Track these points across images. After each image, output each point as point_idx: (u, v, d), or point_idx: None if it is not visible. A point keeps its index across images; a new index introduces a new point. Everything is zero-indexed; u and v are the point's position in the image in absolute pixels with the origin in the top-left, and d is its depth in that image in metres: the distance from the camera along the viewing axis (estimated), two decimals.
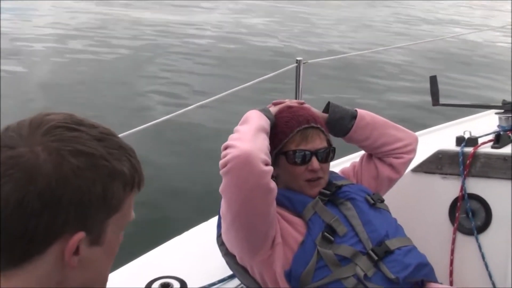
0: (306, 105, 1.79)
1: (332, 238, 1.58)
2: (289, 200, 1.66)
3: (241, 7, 15.63)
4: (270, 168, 1.47)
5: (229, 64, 8.89)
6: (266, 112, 1.67)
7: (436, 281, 1.67)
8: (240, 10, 15.13)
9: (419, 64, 9.57)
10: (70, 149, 0.73)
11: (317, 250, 1.56)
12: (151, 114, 5.95)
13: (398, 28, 14.00)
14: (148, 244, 1.98)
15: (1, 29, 10.40)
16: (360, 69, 8.80)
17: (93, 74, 8.03)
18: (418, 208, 2.31)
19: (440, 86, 2.70)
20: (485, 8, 19.24)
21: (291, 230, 1.61)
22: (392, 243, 1.61)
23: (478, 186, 2.26)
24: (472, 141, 2.32)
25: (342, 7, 16.89)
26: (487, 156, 2.25)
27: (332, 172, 1.81)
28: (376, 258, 1.57)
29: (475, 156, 2.25)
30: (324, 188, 1.69)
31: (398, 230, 1.70)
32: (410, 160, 1.90)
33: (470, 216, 2.25)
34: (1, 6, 12.33)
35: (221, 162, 1.46)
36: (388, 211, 1.76)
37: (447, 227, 2.31)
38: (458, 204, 2.27)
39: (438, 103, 2.62)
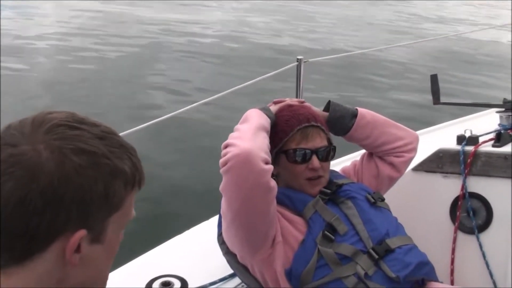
0: (307, 104, 1.79)
1: (332, 237, 1.58)
2: (289, 199, 1.66)
3: (245, 6, 15.63)
4: (270, 167, 1.47)
5: (232, 63, 8.90)
6: (266, 110, 1.68)
7: (436, 280, 1.67)
8: (244, 9, 15.13)
9: (421, 62, 9.56)
10: (72, 148, 0.73)
11: (318, 249, 1.56)
12: (154, 112, 5.95)
13: (401, 27, 13.99)
14: (149, 242, 1.99)
15: (4, 27, 10.43)
16: (362, 68, 8.79)
17: (96, 72, 8.05)
18: (419, 207, 2.31)
19: (442, 85, 2.70)
20: (489, 7, 19.20)
21: (292, 229, 1.61)
22: (392, 242, 1.61)
23: (479, 185, 2.26)
24: (473, 140, 2.32)
25: (346, 6, 16.87)
26: (488, 155, 2.25)
27: (333, 171, 1.82)
28: (376, 257, 1.57)
29: (476, 155, 2.25)
30: (324, 187, 1.69)
31: (398, 229, 1.70)
32: (410, 159, 1.90)
33: (471, 215, 2.25)
34: (4, 4, 12.36)
35: (221, 160, 1.46)
36: (389, 210, 1.76)
37: (448, 226, 2.30)
38: (459, 203, 2.27)
39: (439, 101, 2.61)
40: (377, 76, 8.68)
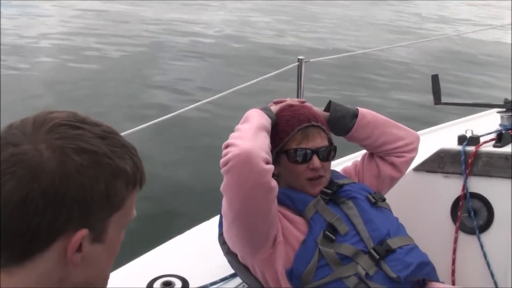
0: (307, 104, 1.79)
1: (333, 237, 1.58)
2: (290, 199, 1.66)
3: (247, 5, 15.64)
4: (271, 167, 1.47)
5: (234, 62, 8.90)
6: (267, 110, 1.68)
7: (437, 280, 1.67)
8: (246, 9, 15.14)
9: (422, 62, 9.56)
10: (73, 147, 0.73)
11: (319, 249, 1.56)
12: (155, 111, 5.95)
13: (402, 27, 13.99)
14: (150, 242, 1.99)
15: (7, 26, 10.46)
16: (363, 68, 8.80)
17: (97, 71, 8.06)
18: (420, 207, 2.31)
19: (444, 84, 2.70)
20: (491, 7, 19.19)
21: (293, 229, 1.61)
22: (393, 242, 1.61)
23: (480, 185, 2.26)
24: (474, 140, 2.32)
25: (347, 6, 16.87)
26: (489, 155, 2.25)
27: (334, 171, 1.82)
28: (377, 257, 1.57)
29: (477, 155, 2.25)
30: (325, 187, 1.69)
31: (399, 229, 1.70)
32: (411, 159, 1.90)
33: (472, 215, 2.25)
34: (7, 3, 12.38)
35: (221, 160, 1.46)
36: (390, 210, 1.76)
37: (449, 226, 2.30)
38: (460, 203, 2.27)
39: (440, 102, 2.61)
40: (378, 76, 8.68)
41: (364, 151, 1.95)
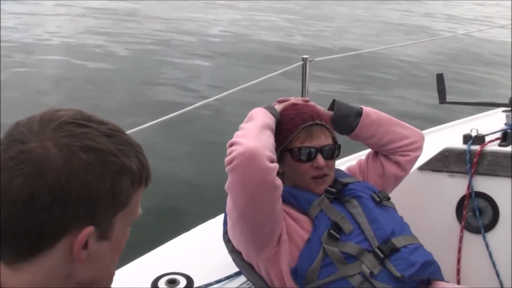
0: (311, 103, 1.79)
1: (338, 236, 1.58)
2: (294, 198, 1.66)
3: (254, 4, 15.63)
4: (275, 165, 1.48)
5: (242, 60, 8.91)
6: (271, 109, 1.68)
7: (442, 280, 1.67)
8: (253, 8, 15.14)
9: (428, 61, 9.52)
10: (80, 145, 0.74)
11: (323, 247, 1.56)
12: (161, 109, 5.96)
13: (409, 26, 13.94)
14: (155, 240, 2.00)
15: (15, 23, 10.54)
16: (368, 67, 8.77)
17: (105, 69, 8.08)
18: (425, 206, 2.30)
19: (449, 83, 2.69)
20: (498, 6, 19.09)
21: (297, 228, 1.61)
22: (398, 241, 1.61)
23: (485, 184, 2.25)
24: (479, 139, 2.31)
25: (353, 5, 16.83)
26: (494, 154, 2.25)
27: (338, 170, 1.82)
28: (382, 256, 1.57)
29: (482, 154, 2.24)
30: (330, 186, 1.69)
31: (404, 228, 1.70)
32: (416, 158, 1.90)
33: (477, 214, 2.24)
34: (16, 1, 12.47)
35: (226, 159, 1.47)
36: (394, 209, 1.76)
37: (454, 226, 2.30)
38: (465, 202, 2.26)
39: (444, 101, 2.60)
40: (384, 74, 8.66)
41: (368, 150, 1.95)
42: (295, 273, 1.57)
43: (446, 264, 1.98)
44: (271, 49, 9.90)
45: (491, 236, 2.25)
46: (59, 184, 0.71)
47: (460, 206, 2.29)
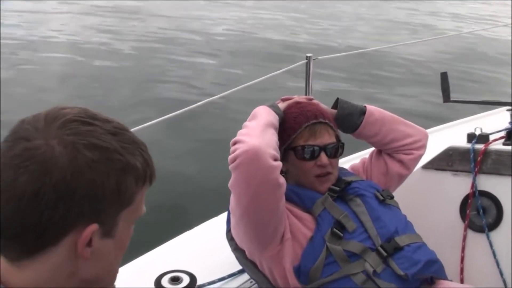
0: (315, 101, 1.79)
1: (341, 234, 1.58)
2: (298, 196, 1.66)
3: (259, 3, 15.61)
4: (278, 163, 1.48)
5: (247, 59, 8.91)
6: (274, 107, 1.68)
7: (446, 278, 1.67)
8: (258, 6, 15.12)
9: (432, 60, 9.49)
10: (85, 143, 0.74)
11: (326, 246, 1.56)
12: (165, 107, 5.98)
13: (414, 24, 13.89)
14: (158, 238, 2.00)
15: (20, 20, 10.57)
16: (372, 65, 8.75)
17: (110, 67, 8.09)
18: (429, 205, 2.30)
19: (454, 82, 2.68)
20: (504, 5, 19.02)
21: (300, 226, 1.61)
22: (401, 240, 1.61)
23: (489, 183, 2.25)
24: (483, 138, 2.31)
25: (358, 4, 16.79)
26: (498, 153, 2.24)
27: (342, 168, 1.82)
28: (385, 254, 1.57)
29: (486, 153, 2.24)
30: (333, 184, 1.70)
31: (407, 226, 1.70)
32: (420, 156, 1.90)
33: (481, 213, 2.24)
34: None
35: (230, 157, 1.47)
36: (398, 208, 1.75)
37: (458, 224, 2.30)
38: (469, 201, 2.26)
39: (449, 99, 2.60)
40: (388, 72, 8.64)
41: (372, 148, 1.95)
42: (298, 271, 1.57)
43: (450, 263, 1.98)
44: (275, 47, 9.89)
45: (495, 235, 2.25)
46: (64, 182, 0.72)
47: (464, 205, 2.29)
